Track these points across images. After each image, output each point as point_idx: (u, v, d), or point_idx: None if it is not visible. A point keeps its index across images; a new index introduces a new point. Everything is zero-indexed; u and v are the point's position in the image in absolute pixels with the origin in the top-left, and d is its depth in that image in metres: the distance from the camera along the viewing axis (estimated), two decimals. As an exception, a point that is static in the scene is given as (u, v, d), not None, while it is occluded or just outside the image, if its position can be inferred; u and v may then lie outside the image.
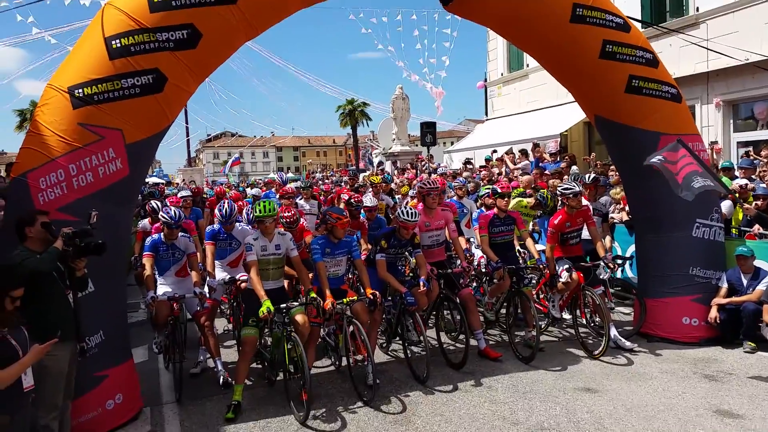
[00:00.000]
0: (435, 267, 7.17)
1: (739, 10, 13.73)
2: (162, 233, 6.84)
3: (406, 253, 7.16)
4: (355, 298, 6.35)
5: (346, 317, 6.33)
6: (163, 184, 27.14)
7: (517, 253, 8.20)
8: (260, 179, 31.67)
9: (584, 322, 7.78)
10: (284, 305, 5.85)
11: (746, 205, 8.23)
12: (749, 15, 13.48)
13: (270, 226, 6.07)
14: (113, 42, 5.39)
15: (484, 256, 7.73)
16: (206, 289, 6.73)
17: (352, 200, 8.61)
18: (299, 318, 5.92)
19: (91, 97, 5.29)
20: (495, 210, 7.64)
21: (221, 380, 6.57)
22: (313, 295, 6.02)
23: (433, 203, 7.34)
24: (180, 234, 6.93)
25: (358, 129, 61.49)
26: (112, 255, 5.04)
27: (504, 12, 7.25)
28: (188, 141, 45.98)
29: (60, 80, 5.40)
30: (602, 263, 7.47)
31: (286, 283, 6.74)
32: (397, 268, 7.16)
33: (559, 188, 7.81)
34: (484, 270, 8.04)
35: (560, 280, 7.32)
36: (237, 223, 7.63)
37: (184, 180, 36.79)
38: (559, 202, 7.92)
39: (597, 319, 7.72)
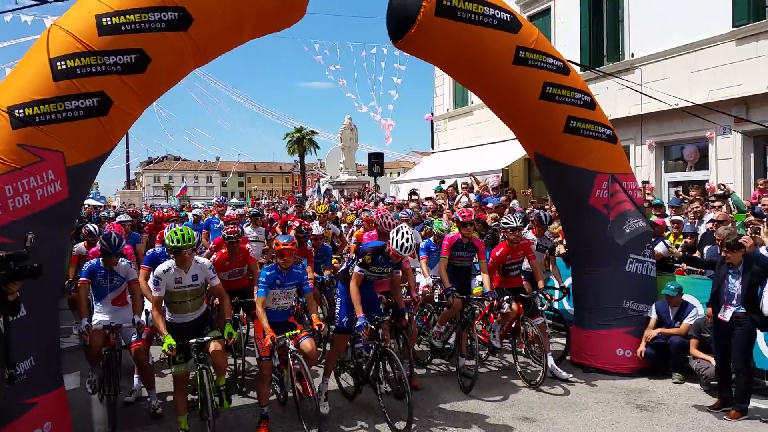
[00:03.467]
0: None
1: (669, 58, 14.61)
2: (100, 259, 6.56)
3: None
4: (299, 331, 6.10)
5: (290, 352, 6.03)
6: (100, 206, 26.34)
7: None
8: (203, 204, 31.13)
9: (523, 352, 8.01)
10: (194, 340, 5.53)
11: (674, 249, 8.64)
12: (678, 63, 14.36)
13: (188, 257, 5.68)
14: (59, 63, 5.30)
15: (428, 284, 7.85)
16: (143, 317, 6.53)
17: (302, 227, 8.56)
18: (214, 346, 5.72)
19: (32, 117, 5.16)
20: (459, 235, 7.74)
21: (154, 411, 6.41)
22: (230, 330, 5.83)
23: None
24: (121, 260, 6.67)
25: (306, 157, 61.53)
26: (46, 279, 4.86)
27: (450, 52, 7.48)
28: (128, 163, 44.98)
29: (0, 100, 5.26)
30: (540, 295, 7.74)
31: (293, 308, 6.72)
32: (372, 289, 6.75)
33: (501, 221, 8.01)
34: (437, 299, 8.17)
35: (501, 310, 7.43)
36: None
37: (124, 203, 35.82)
38: (501, 235, 8.17)
39: (536, 348, 7.93)
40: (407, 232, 6.05)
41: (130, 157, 45.68)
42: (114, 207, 33.45)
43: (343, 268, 7.11)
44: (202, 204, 29.88)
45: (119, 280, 6.59)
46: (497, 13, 7.18)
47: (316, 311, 6.40)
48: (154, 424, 6.22)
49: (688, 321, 7.44)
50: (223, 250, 7.56)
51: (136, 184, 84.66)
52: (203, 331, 5.83)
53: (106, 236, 6.62)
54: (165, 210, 21.69)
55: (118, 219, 10.82)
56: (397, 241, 6.01)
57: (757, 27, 12.84)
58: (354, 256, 7.18)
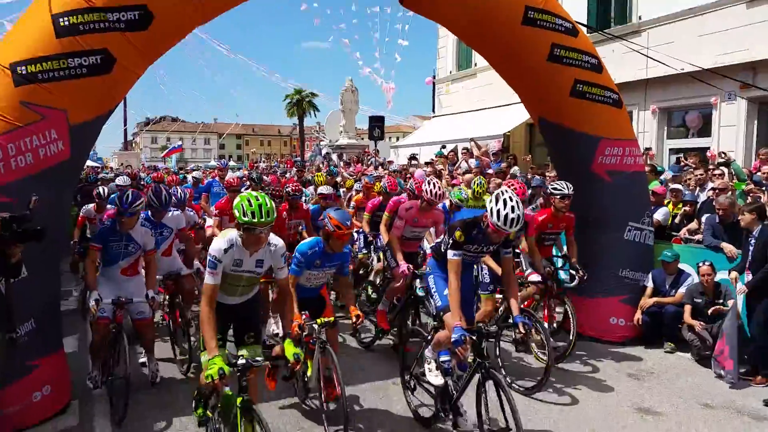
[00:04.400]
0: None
1: (677, 21, 14.38)
2: (115, 221, 5.90)
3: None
4: (332, 319, 5.14)
5: (318, 342, 5.08)
6: (98, 167, 26.21)
7: None
8: (201, 166, 30.99)
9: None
10: (241, 363, 3.88)
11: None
12: (686, 26, 14.14)
13: (263, 238, 4.19)
14: (61, 20, 5.20)
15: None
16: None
17: (291, 190, 8.29)
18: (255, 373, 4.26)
19: (35, 75, 5.09)
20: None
21: (153, 379, 6.15)
22: (295, 350, 4.28)
23: (428, 208, 6.89)
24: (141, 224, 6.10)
25: (306, 120, 61.07)
26: (47, 240, 4.84)
27: (458, 11, 7.36)
28: (125, 123, 44.58)
29: (1, 57, 5.16)
30: (572, 270, 7.16)
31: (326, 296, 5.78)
32: (471, 277, 5.70)
33: (549, 186, 7.38)
34: None
35: (531, 280, 6.91)
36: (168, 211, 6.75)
37: (122, 164, 35.67)
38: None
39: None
40: (511, 198, 4.53)
41: (127, 118, 45.19)
42: (111, 168, 33.33)
43: (437, 241, 5.80)
44: (200, 166, 29.77)
45: (135, 247, 5.95)
46: (506, -28, 7.04)
47: (353, 300, 5.58)
48: (153, 391, 6.07)
49: (682, 290, 7.48)
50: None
51: (134, 145, 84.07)
52: (247, 323, 4.68)
53: (156, 192, 6.49)
54: (163, 171, 21.64)
55: (117, 181, 10.76)
56: (498, 211, 4.51)
57: (768, -10, 12.60)
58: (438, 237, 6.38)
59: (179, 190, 7.77)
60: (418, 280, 6.72)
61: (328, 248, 5.16)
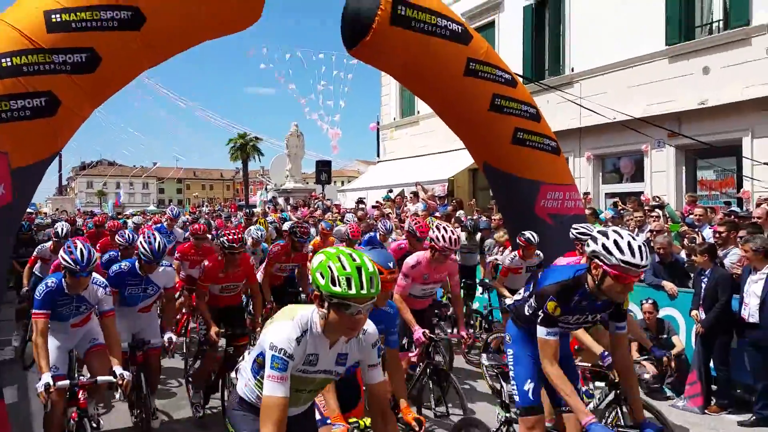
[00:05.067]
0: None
1: (608, 73, 15.27)
2: (136, 265, 5.70)
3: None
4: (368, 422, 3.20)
5: None
6: (32, 213, 25.20)
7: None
8: (138, 211, 30.23)
9: None
10: None
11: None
12: (616, 78, 15.03)
13: (361, 320, 2.67)
14: (3, 60, 5.09)
15: None
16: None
17: (297, 230, 7.66)
18: None
19: (-26, 116, 4.94)
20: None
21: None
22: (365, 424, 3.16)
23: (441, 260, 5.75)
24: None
25: (249, 164, 60.73)
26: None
27: (402, 60, 7.56)
28: (60, 168, 43.28)
29: (-61, 96, 5.00)
30: None
31: None
32: (570, 359, 4.11)
33: (574, 230, 6.28)
34: None
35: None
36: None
37: (57, 209, 34.43)
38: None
39: None
40: (626, 235, 3.27)
41: (61, 162, 43.90)
42: (45, 213, 32.10)
43: (517, 299, 4.16)
44: (138, 212, 29.03)
45: (154, 289, 5.85)
46: (449, 24, 7.32)
47: (405, 392, 3.90)
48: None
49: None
50: (219, 258, 6.49)
51: (69, 189, 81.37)
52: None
53: (149, 239, 5.56)
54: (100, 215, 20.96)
55: (56, 227, 10.38)
56: (616, 243, 3.21)
57: (688, 46, 13.63)
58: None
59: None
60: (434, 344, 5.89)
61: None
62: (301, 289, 8.54)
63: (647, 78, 14.30)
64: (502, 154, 8.06)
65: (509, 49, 17.67)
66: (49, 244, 8.45)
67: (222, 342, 6.48)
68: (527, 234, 7.59)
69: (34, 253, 8.51)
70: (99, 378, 4.71)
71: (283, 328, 2.72)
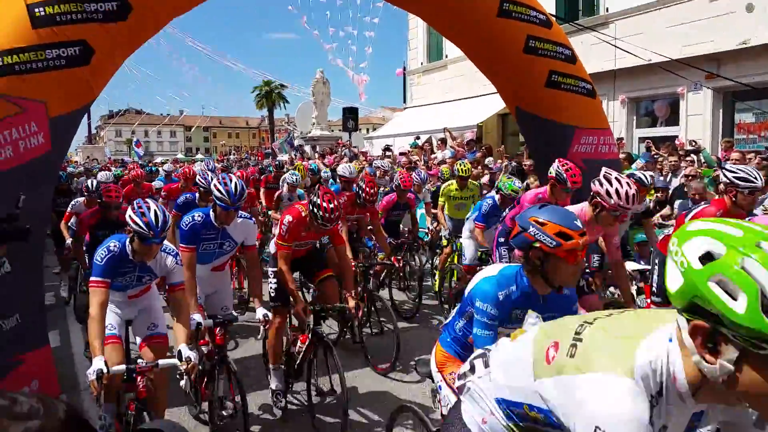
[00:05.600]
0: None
1: (644, 13, 14.72)
2: (210, 212, 4.91)
3: None
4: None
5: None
6: (64, 162, 25.65)
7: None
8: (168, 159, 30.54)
9: None
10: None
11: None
12: (652, 18, 14.49)
13: None
14: (36, 10, 5.08)
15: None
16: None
17: (361, 193, 7.10)
18: None
19: (11, 66, 4.96)
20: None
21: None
22: None
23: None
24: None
25: (275, 111, 60.60)
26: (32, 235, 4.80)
27: (434, 2, 7.42)
28: (89, 117, 43.65)
29: (-25, 48, 5.04)
30: None
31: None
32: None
33: (733, 176, 5.04)
34: None
35: None
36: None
37: (88, 157, 34.96)
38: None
39: None
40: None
41: (90, 111, 44.22)
42: (77, 162, 32.64)
43: None
44: (167, 159, 29.33)
45: (231, 244, 5.11)
46: (482, -36, 7.10)
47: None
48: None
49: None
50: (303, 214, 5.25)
51: (98, 138, 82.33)
52: None
53: (223, 182, 4.71)
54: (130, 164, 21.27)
55: (98, 177, 10.57)
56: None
57: (730, -17, 12.97)
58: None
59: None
60: None
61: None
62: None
63: (685, 18, 13.75)
64: (536, 98, 7.90)
65: (541, -12, 17.11)
66: (82, 199, 8.43)
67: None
68: (638, 174, 6.37)
69: (69, 208, 8.47)
70: (161, 361, 3.91)
71: (613, 397, 1.44)
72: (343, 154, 18.59)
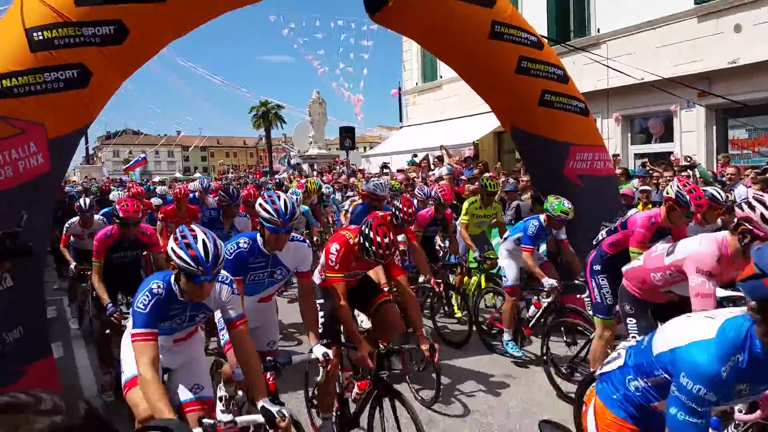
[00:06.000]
0: None
1: (635, 33, 14.93)
2: (256, 239, 4.21)
3: None
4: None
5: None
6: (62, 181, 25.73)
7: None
8: (167, 178, 30.63)
9: None
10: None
11: None
12: (643, 38, 14.69)
13: None
14: (35, 34, 5.17)
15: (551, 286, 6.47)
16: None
17: (399, 215, 6.34)
18: None
19: (10, 89, 5.04)
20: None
21: None
22: None
23: None
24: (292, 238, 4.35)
25: (272, 131, 60.84)
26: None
27: (426, 25, 7.52)
28: (86, 137, 43.86)
29: (-25, 71, 5.12)
30: None
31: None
32: None
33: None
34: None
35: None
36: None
37: (86, 177, 35.06)
38: None
39: None
40: None
41: (87, 132, 44.58)
42: (75, 182, 32.72)
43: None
44: (167, 179, 29.41)
45: (283, 272, 4.43)
46: (474, -13, 7.23)
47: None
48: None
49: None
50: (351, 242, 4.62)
51: (95, 158, 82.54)
52: None
53: (271, 201, 4.02)
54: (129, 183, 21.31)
55: (111, 196, 10.49)
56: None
57: (717, 4, 13.26)
58: None
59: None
60: None
61: None
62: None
63: (676, 38, 13.96)
64: (530, 117, 8.01)
65: (533, 10, 17.28)
66: (76, 219, 7.87)
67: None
68: (711, 191, 5.56)
69: (64, 231, 7.95)
70: (239, 419, 3.33)
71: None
72: (341, 171, 18.68)
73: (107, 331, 5.91)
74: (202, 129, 74.08)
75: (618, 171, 9.92)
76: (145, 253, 6.64)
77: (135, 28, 5.61)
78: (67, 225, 7.93)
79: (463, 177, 12.43)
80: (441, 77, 21.41)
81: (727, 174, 9.53)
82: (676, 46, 13.88)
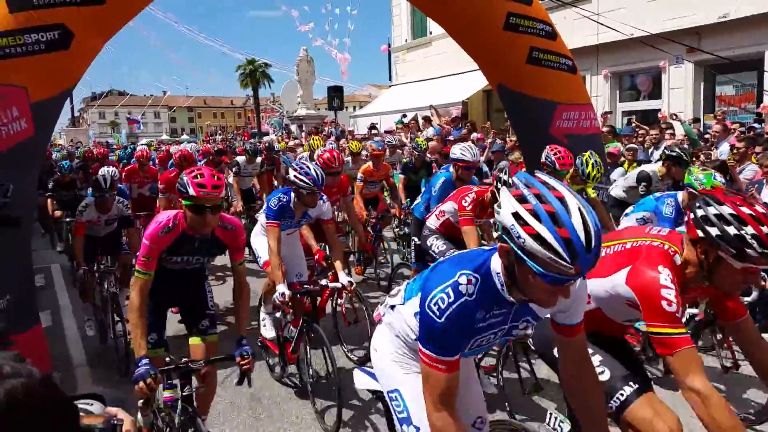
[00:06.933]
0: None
1: (626, -13, 14.72)
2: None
3: None
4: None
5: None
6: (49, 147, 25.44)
7: None
8: (153, 141, 30.32)
9: None
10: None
11: None
12: (634, -7, 14.50)
13: None
14: (12, -7, 5.07)
15: None
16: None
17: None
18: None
19: (-10, 52, 4.97)
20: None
21: None
22: None
23: None
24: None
25: (260, 90, 60.00)
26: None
27: (415, -20, 7.43)
28: (71, 99, 43.10)
29: (-47, 33, 5.02)
30: None
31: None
32: None
33: None
34: None
35: None
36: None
37: (72, 140, 34.66)
38: None
39: None
40: None
41: (72, 93, 43.75)
42: (61, 145, 32.36)
43: None
44: (150, 141, 29.14)
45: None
46: (462, -59, 7.10)
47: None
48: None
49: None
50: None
51: (81, 120, 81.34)
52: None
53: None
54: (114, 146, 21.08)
55: (97, 178, 10.23)
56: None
57: (710, -44, 13.02)
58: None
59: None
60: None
61: None
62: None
63: (667, -9, 13.80)
64: (518, 75, 7.95)
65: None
66: (90, 201, 6.58)
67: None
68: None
69: (78, 216, 6.51)
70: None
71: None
72: (329, 132, 18.56)
73: None
74: (188, 88, 72.82)
75: (605, 129, 9.94)
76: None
77: (116, -13, 5.51)
78: (81, 208, 6.48)
79: (451, 137, 12.41)
80: (431, 33, 21.14)
81: (713, 131, 9.59)
82: (666, 1, 13.76)
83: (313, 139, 10.86)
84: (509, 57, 7.85)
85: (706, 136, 9.88)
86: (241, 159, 10.27)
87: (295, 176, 5.02)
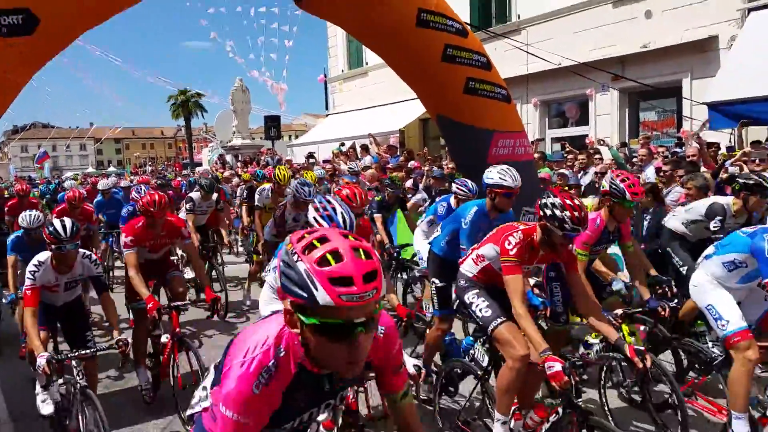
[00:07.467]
0: None
1: (553, 19, 15.43)
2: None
3: None
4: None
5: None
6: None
7: None
8: (78, 174, 29.19)
9: None
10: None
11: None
12: (561, 24, 15.22)
13: None
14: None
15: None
16: None
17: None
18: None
19: None
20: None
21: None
22: None
23: None
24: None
25: (192, 121, 58.91)
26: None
27: (353, 13, 7.49)
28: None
29: None
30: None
31: None
32: None
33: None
34: None
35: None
36: None
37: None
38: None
39: None
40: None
41: (-8, 126, 41.62)
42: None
43: None
44: (75, 175, 28.04)
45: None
46: (399, -25, 7.24)
47: None
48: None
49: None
50: None
51: (2, 155, 77.44)
52: None
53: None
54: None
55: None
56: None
57: (630, -9, 13.83)
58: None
59: None
60: None
61: None
62: None
63: (591, 24, 14.54)
64: (455, 104, 8.12)
65: (455, -4, 17.59)
66: (46, 257, 4.87)
67: None
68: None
69: (30, 280, 4.74)
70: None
71: None
72: (265, 162, 18.33)
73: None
74: (116, 121, 70.59)
75: (536, 155, 10.26)
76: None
77: (45, 17, 5.31)
78: (33, 268, 4.76)
79: (389, 165, 12.51)
80: (367, 63, 21.39)
81: (639, 155, 10.03)
82: (592, 32, 14.46)
83: (278, 169, 9.80)
84: (447, 87, 8.02)
85: (634, 159, 10.31)
86: (195, 195, 9.48)
87: (315, 219, 3.81)
